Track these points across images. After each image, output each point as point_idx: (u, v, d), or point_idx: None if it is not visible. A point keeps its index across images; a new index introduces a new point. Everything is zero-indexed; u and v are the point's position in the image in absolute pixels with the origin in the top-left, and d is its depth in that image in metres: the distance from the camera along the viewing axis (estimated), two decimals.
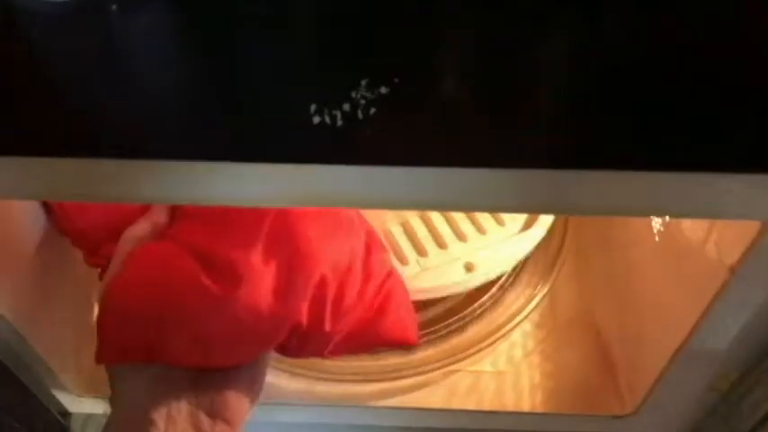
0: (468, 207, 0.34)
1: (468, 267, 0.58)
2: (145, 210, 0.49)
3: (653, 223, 0.51)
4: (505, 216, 0.61)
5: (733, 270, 0.38)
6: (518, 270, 0.64)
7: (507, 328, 0.60)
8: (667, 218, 0.49)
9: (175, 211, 0.49)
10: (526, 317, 0.61)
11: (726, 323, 0.45)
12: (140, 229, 0.47)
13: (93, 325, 0.59)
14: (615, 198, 0.32)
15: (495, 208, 0.34)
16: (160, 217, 0.48)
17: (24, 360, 0.53)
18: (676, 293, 0.49)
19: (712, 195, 0.33)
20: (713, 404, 0.52)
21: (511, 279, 0.63)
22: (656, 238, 0.51)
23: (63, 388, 0.56)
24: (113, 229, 0.48)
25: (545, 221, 0.61)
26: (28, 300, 0.52)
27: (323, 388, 0.56)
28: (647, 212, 0.34)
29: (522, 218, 0.61)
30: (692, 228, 0.45)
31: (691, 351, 0.47)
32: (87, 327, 0.60)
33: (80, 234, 0.50)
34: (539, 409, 0.56)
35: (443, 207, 0.34)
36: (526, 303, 0.61)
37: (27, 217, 0.51)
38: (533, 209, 0.38)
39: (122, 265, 0.45)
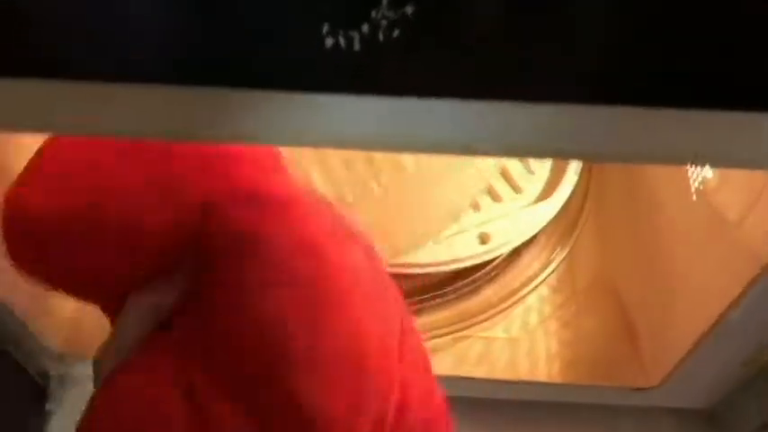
0: (501, 148, 0.30)
1: (483, 239, 0.54)
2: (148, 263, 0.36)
3: (690, 183, 0.47)
4: (523, 182, 0.56)
5: None
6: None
7: (522, 292, 0.56)
8: (706, 174, 0.44)
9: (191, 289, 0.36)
10: (543, 281, 0.57)
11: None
12: (146, 301, 0.36)
13: None
14: (654, 140, 0.28)
15: (531, 150, 0.30)
16: (167, 293, 0.36)
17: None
18: (713, 267, 0.45)
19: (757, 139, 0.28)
20: (745, 380, 0.49)
21: (527, 241, 0.59)
22: (693, 196, 0.47)
23: (41, 348, 0.52)
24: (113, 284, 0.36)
25: (565, 188, 0.56)
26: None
27: None
28: (683, 159, 0.29)
29: (540, 184, 0.57)
30: (733, 198, 0.41)
31: (727, 325, 0.43)
32: None
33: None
34: (555, 379, 0.53)
35: (471, 149, 0.30)
36: (543, 267, 0.57)
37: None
38: (569, 150, 0.33)
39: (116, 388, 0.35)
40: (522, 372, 0.53)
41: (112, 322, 0.37)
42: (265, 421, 0.32)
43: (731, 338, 0.44)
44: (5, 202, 0.34)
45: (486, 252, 0.54)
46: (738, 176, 0.41)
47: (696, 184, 0.46)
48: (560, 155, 0.47)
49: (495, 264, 0.57)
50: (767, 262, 0.38)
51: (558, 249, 0.58)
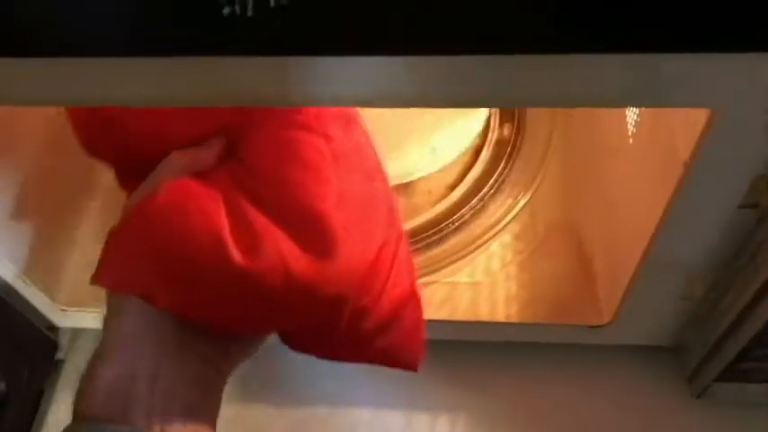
0: (402, 100, 0.32)
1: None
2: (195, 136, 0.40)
3: (628, 125, 0.49)
4: None
5: (686, 165, 0.36)
6: (500, 181, 0.62)
7: (485, 237, 0.59)
8: (636, 117, 0.46)
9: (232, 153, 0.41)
10: (505, 227, 0.59)
11: (686, 224, 0.43)
12: (185, 156, 0.40)
13: (76, 237, 0.61)
14: (555, 85, 0.30)
15: (430, 100, 0.32)
16: (209, 152, 0.40)
17: (4, 277, 0.53)
18: (643, 197, 0.46)
19: (656, 80, 0.30)
20: (690, 312, 0.51)
21: (492, 190, 0.61)
22: (630, 140, 0.49)
23: (48, 302, 0.57)
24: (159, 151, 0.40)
25: None
26: (7, 213, 0.53)
27: None
28: (589, 101, 0.32)
29: None
30: (654, 125, 0.43)
31: (655, 257, 0.45)
32: (71, 239, 0.61)
33: (122, 152, 0.42)
34: (513, 320, 0.55)
35: (370, 102, 0.33)
36: (506, 213, 0.60)
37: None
38: (483, 100, 0.36)
39: (153, 191, 0.38)
40: (483, 314, 0.56)
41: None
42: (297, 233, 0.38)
43: (662, 269, 0.46)
44: None
45: (433, 160, 0.58)
46: (657, 117, 0.43)
47: (631, 127, 0.49)
48: (478, 104, 0.50)
49: (461, 213, 0.60)
50: (678, 179, 0.39)
51: (522, 197, 0.60)
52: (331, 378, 0.59)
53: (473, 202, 0.61)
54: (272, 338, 0.44)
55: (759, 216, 0.40)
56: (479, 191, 0.61)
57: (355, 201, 0.40)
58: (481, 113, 0.61)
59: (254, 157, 0.39)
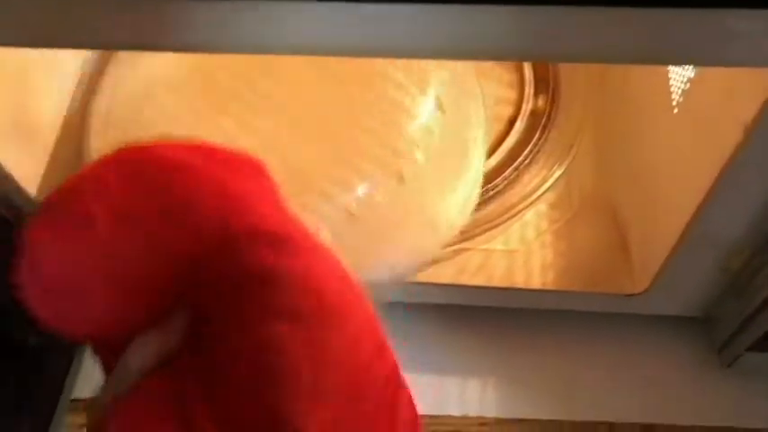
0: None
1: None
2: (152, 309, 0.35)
3: (671, 91, 0.49)
4: None
5: (747, 129, 0.36)
6: (535, 151, 0.62)
7: (520, 206, 0.59)
8: (685, 83, 0.47)
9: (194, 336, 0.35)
10: (540, 197, 0.60)
11: (735, 195, 0.43)
12: (151, 343, 0.35)
13: None
14: (612, 39, 0.30)
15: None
16: (171, 338, 0.35)
17: None
18: (687, 167, 0.47)
19: (724, 36, 0.30)
20: (725, 284, 0.52)
21: (527, 161, 0.62)
22: (675, 109, 0.49)
23: None
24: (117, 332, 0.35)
25: None
26: None
27: None
28: (646, 59, 0.32)
29: None
30: (709, 88, 0.43)
31: (697, 229, 0.46)
32: None
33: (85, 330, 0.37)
34: (549, 287, 0.56)
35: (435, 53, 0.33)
36: (541, 183, 0.60)
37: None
38: (528, 53, 0.36)
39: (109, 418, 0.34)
40: (519, 281, 0.57)
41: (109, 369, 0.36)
42: None
43: (701, 243, 0.47)
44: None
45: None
46: (713, 80, 0.44)
47: (676, 96, 0.49)
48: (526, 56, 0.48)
49: (495, 183, 0.61)
50: (736, 145, 0.39)
51: (557, 167, 0.61)
52: None
53: (507, 171, 0.61)
54: None
55: None
56: (514, 161, 0.62)
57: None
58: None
59: (222, 359, 0.33)
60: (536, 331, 0.59)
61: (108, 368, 0.36)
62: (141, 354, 0.35)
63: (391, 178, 0.48)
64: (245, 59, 0.50)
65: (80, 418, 0.58)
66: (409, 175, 0.48)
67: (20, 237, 0.33)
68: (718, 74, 0.42)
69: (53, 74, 0.58)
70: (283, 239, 0.34)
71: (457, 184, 0.52)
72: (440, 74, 0.52)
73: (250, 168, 0.36)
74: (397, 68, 0.50)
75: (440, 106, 0.51)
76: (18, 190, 0.49)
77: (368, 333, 0.34)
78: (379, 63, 0.51)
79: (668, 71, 0.50)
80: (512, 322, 0.59)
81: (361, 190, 0.48)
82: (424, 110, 0.50)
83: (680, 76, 0.48)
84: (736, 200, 0.44)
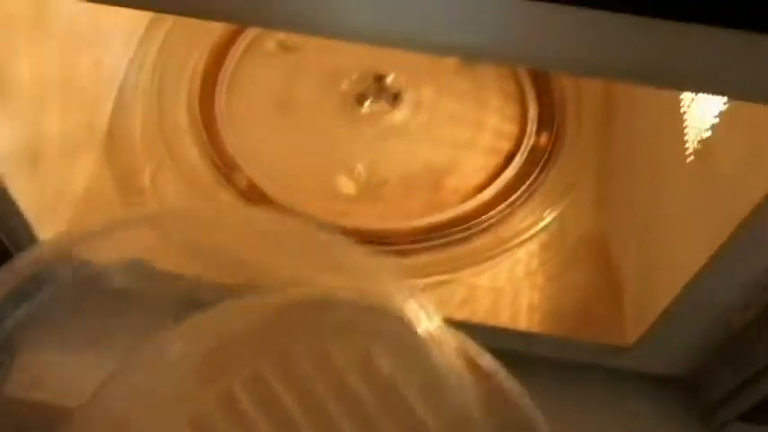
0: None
1: None
2: None
3: (686, 137, 0.47)
4: None
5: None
6: (532, 189, 0.60)
7: (511, 243, 0.57)
8: (705, 130, 0.45)
9: None
10: (534, 235, 0.57)
11: (748, 256, 0.41)
12: None
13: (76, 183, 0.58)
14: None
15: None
16: None
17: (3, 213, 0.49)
18: (699, 220, 0.45)
19: None
20: (722, 346, 0.49)
21: (523, 198, 0.59)
22: (689, 158, 0.47)
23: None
24: None
25: None
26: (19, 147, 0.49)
27: None
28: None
29: None
30: (733, 141, 0.41)
31: (699, 289, 0.44)
32: (69, 172, 0.57)
33: None
34: (535, 329, 0.53)
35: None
36: (536, 222, 0.58)
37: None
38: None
39: None
40: (504, 320, 0.54)
41: None
42: None
43: (702, 303, 0.44)
44: None
45: None
46: (737, 133, 0.42)
47: (692, 144, 0.47)
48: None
49: (488, 215, 0.58)
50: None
51: (553, 207, 0.58)
52: None
53: (502, 206, 0.59)
54: None
55: None
56: (508, 197, 0.59)
57: None
58: None
59: None
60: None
61: None
62: None
63: None
64: None
65: None
66: None
67: None
68: (746, 124, 0.40)
69: None
70: None
71: None
72: None
73: None
74: None
75: None
76: None
77: None
78: None
79: (684, 114, 0.48)
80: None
81: None
82: None
83: (699, 121, 0.46)
84: (745, 263, 0.42)
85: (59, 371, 0.51)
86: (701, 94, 0.45)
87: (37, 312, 0.45)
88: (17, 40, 0.45)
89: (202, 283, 0.47)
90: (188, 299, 0.46)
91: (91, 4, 0.35)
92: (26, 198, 0.49)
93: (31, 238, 0.53)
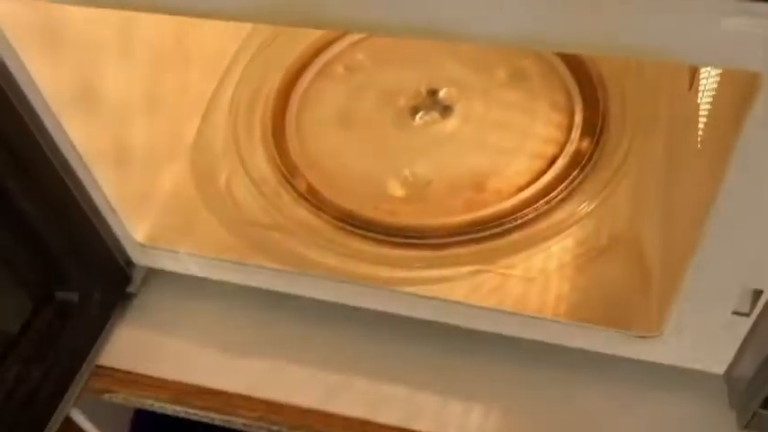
0: None
1: None
2: None
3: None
4: None
5: None
6: (570, 188, 0.62)
7: (546, 237, 0.59)
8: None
9: None
10: (568, 230, 0.59)
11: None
12: None
13: (162, 186, 0.67)
14: None
15: None
16: None
17: (94, 202, 0.59)
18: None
19: None
20: (743, 335, 0.49)
21: (561, 195, 0.62)
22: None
23: (128, 236, 0.62)
24: None
25: None
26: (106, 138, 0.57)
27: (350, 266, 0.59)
28: None
29: None
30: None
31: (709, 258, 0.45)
32: (157, 176, 0.66)
33: None
34: (561, 318, 0.55)
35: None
36: (571, 217, 0.60)
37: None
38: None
39: None
40: (531, 309, 0.56)
41: None
42: None
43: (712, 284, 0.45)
44: None
45: None
46: None
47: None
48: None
49: (524, 212, 0.61)
50: None
51: (589, 205, 0.60)
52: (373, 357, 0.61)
53: (539, 204, 0.61)
54: None
55: None
56: (547, 195, 0.62)
57: None
58: None
59: None
60: (545, 365, 0.58)
61: None
62: None
63: None
64: None
65: (101, 384, 0.61)
66: None
67: None
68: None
69: None
70: None
71: None
72: None
73: None
74: None
75: None
76: None
77: None
78: None
79: None
80: (520, 352, 0.58)
81: None
82: None
83: None
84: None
85: None
86: None
87: None
88: (104, 61, 0.55)
89: None
90: None
91: (175, 30, 0.42)
92: (114, 193, 0.59)
93: (124, 233, 0.61)
